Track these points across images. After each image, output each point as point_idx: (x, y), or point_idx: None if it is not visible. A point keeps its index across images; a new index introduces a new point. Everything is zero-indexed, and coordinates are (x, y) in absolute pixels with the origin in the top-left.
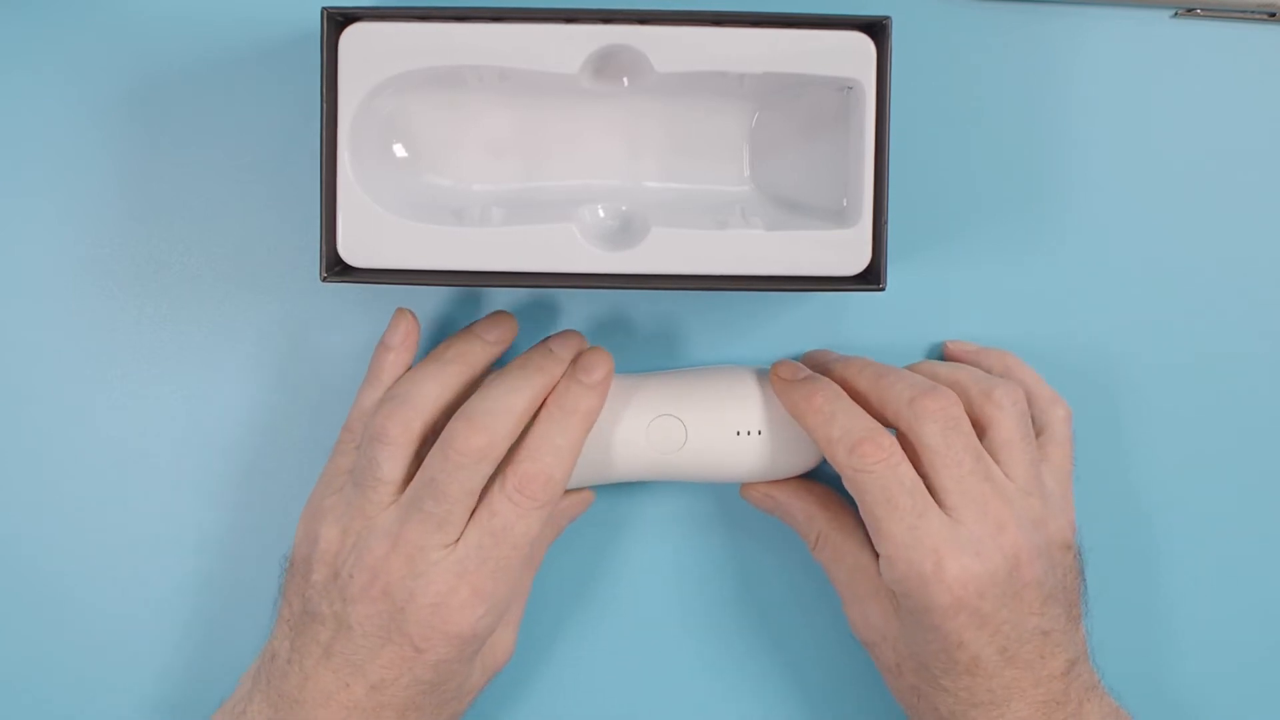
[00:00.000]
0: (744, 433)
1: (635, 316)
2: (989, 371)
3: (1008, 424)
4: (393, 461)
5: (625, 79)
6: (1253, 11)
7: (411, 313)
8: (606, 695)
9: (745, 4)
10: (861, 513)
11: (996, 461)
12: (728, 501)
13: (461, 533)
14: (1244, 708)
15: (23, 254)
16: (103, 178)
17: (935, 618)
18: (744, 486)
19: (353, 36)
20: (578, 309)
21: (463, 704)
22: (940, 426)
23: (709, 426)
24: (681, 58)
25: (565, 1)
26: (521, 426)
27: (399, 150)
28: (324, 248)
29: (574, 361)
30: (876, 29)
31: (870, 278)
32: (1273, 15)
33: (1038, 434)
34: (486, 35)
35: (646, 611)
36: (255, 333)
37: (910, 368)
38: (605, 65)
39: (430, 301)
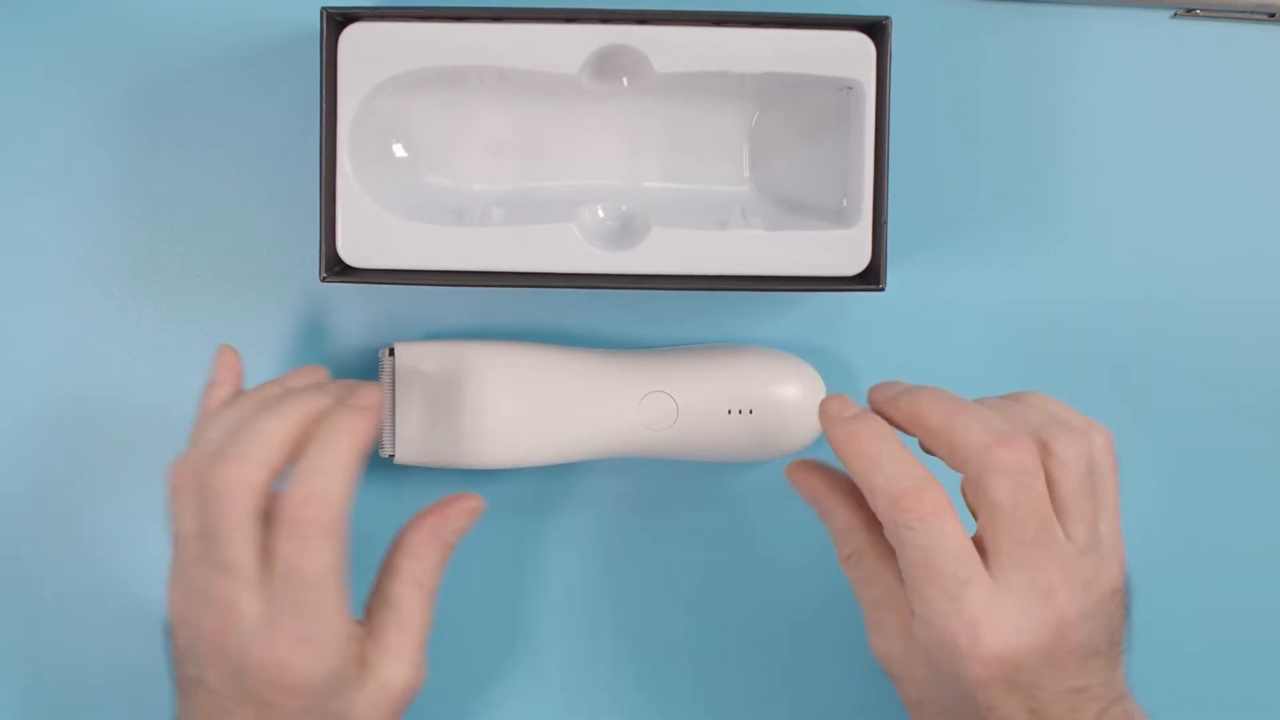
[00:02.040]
0: (736, 411)
1: (635, 316)
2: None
3: (1071, 480)
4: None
5: (625, 79)
6: (1253, 11)
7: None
8: (603, 681)
9: (745, 4)
10: (901, 566)
11: (1057, 518)
12: (717, 480)
13: (259, 575)
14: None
15: (23, 254)
16: (103, 178)
17: (966, 686)
18: (791, 466)
19: (352, 36)
20: (577, 309)
21: None
22: (1013, 484)
23: (701, 403)
24: (681, 58)
25: (565, 1)
26: (283, 453)
27: (399, 150)
28: (324, 248)
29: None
30: (876, 29)
31: (870, 278)
32: (1273, 15)
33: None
34: (486, 35)
35: (637, 590)
36: (255, 333)
37: (981, 401)
38: (605, 65)
39: (430, 301)
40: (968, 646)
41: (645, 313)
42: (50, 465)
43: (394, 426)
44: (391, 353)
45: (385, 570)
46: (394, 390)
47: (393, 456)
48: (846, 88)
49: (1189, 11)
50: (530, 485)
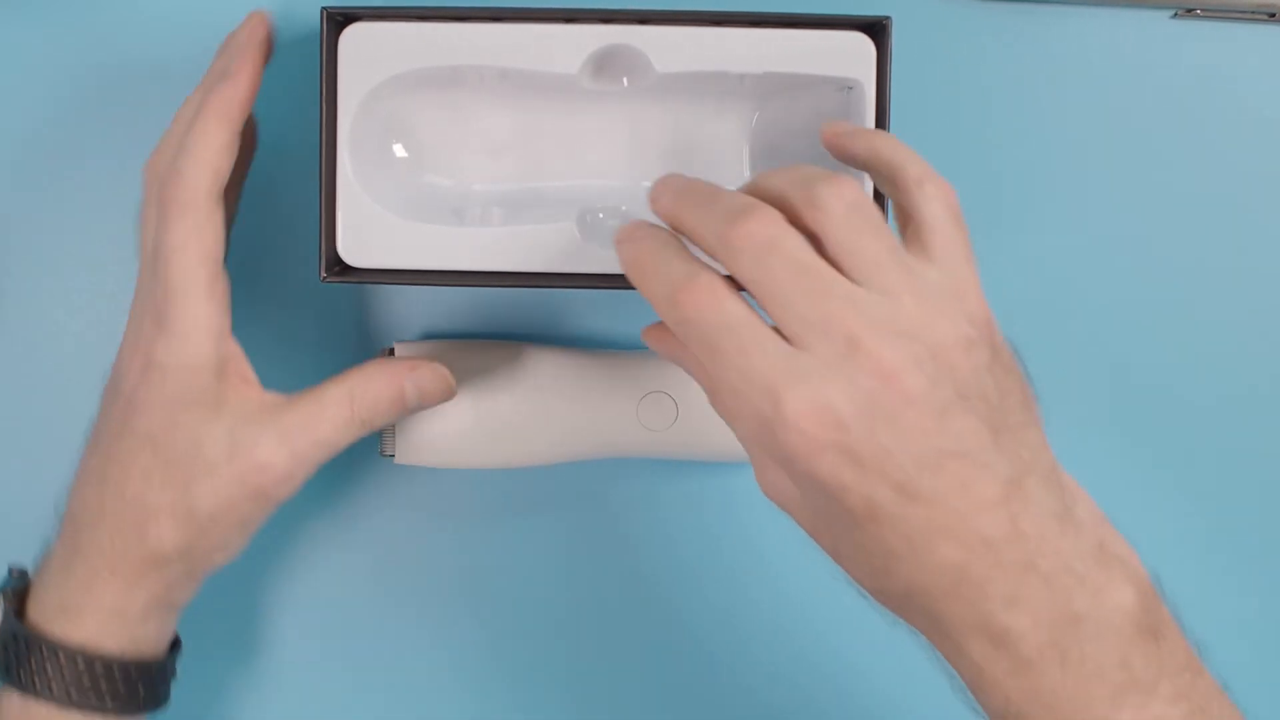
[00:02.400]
0: None
1: (635, 316)
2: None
3: (835, 224)
4: None
5: (625, 79)
6: (1253, 11)
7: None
8: (603, 681)
9: (745, 4)
10: (699, 371)
11: (840, 271)
12: (717, 480)
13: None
14: None
15: (22, 254)
16: (102, 178)
17: (801, 465)
18: (645, 330)
19: (352, 36)
20: (577, 309)
21: (212, 489)
22: (752, 256)
23: (701, 403)
24: (682, 58)
25: (565, 1)
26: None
27: (399, 150)
28: (324, 248)
29: None
30: (876, 29)
31: None
32: (1273, 15)
33: (904, 225)
34: (486, 35)
35: (637, 590)
36: (255, 333)
37: (743, 186)
38: (605, 65)
39: (430, 301)
40: (773, 413)
41: (645, 313)
42: (50, 467)
43: (393, 427)
44: (391, 353)
45: (333, 377)
46: None
47: (393, 456)
48: (847, 88)
49: (1189, 11)
50: (530, 485)
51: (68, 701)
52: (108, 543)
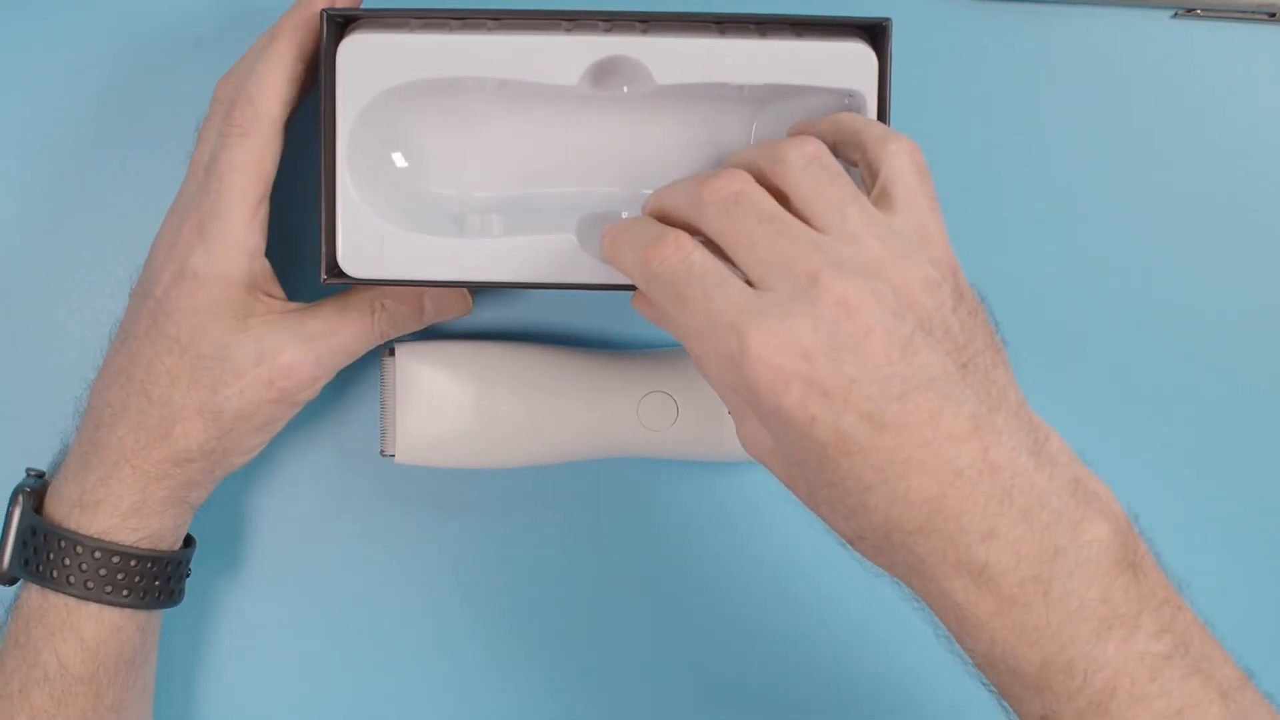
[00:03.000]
0: None
1: (635, 317)
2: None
3: (796, 176)
4: None
5: (625, 87)
6: (1253, 11)
7: None
8: (603, 680)
9: (745, 5)
10: (670, 323)
11: (807, 222)
12: (717, 480)
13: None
14: None
15: (22, 254)
16: (103, 180)
17: (768, 400)
18: (634, 296)
19: (352, 48)
20: (577, 309)
21: (236, 394)
22: (720, 207)
23: (701, 403)
24: (682, 69)
25: (566, 2)
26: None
27: (398, 159)
28: (324, 256)
29: None
30: (876, 30)
31: None
32: (1273, 15)
33: (871, 184)
34: (486, 47)
35: (637, 590)
36: None
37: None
38: (605, 75)
39: None
40: (738, 350)
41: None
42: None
43: (394, 426)
44: (392, 352)
45: (355, 288)
46: (394, 390)
47: (393, 456)
48: (847, 96)
49: (1189, 11)
50: (530, 485)
51: (84, 593)
52: (130, 440)
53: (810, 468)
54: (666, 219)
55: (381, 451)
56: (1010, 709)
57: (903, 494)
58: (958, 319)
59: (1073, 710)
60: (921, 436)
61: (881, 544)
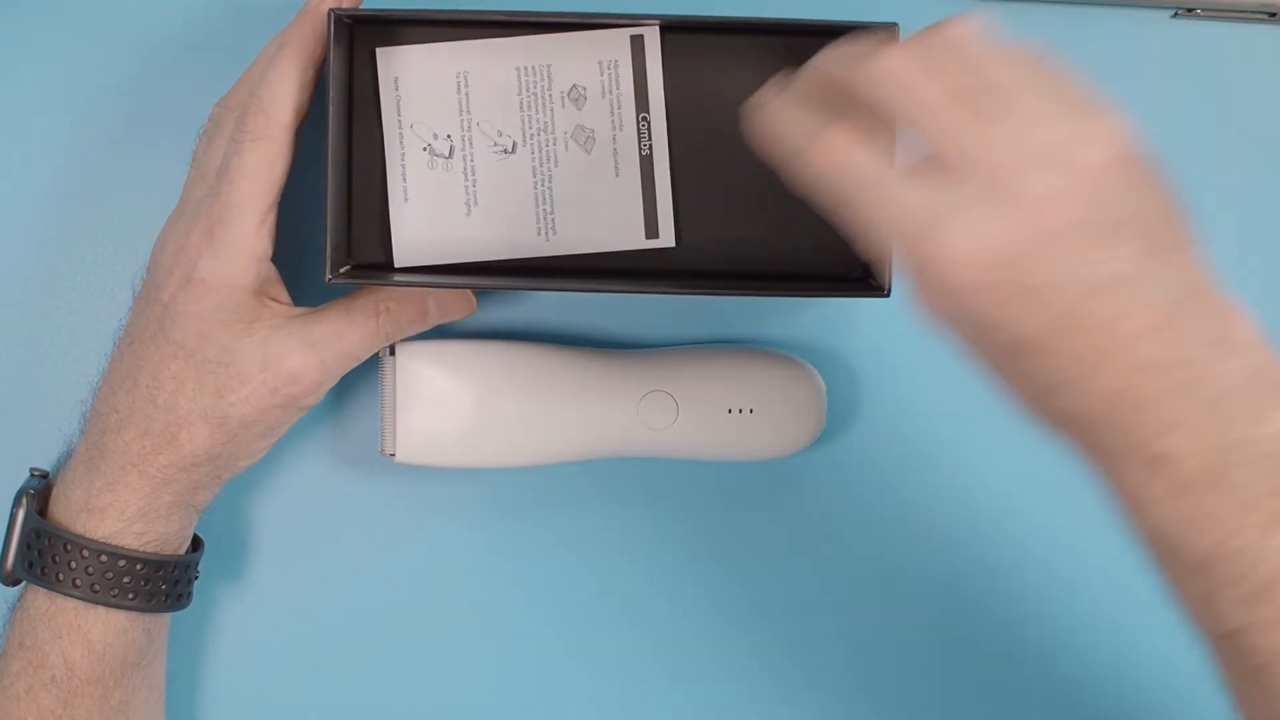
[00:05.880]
0: (736, 411)
1: (636, 316)
2: None
3: (968, 62)
4: None
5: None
6: (1253, 11)
7: None
8: (602, 680)
9: (751, 8)
10: (849, 228)
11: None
12: (717, 480)
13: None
14: None
15: (22, 254)
16: (103, 178)
17: (960, 303)
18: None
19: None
20: (577, 309)
21: (242, 398)
22: (895, 84)
23: (701, 403)
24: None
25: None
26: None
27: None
28: (329, 249)
29: None
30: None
31: (874, 282)
32: (1273, 15)
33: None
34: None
35: (637, 590)
36: None
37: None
38: None
39: None
40: (928, 254)
41: (646, 313)
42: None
43: (394, 426)
44: (392, 352)
45: (358, 290)
46: (394, 390)
47: (393, 456)
48: None
49: (1189, 11)
50: (530, 485)
51: (90, 597)
52: (136, 445)
53: (998, 358)
54: (825, 92)
55: (381, 451)
56: (1170, 584)
57: (1090, 390)
58: (1142, 198)
59: (1235, 595)
60: (1112, 336)
61: (1063, 427)
